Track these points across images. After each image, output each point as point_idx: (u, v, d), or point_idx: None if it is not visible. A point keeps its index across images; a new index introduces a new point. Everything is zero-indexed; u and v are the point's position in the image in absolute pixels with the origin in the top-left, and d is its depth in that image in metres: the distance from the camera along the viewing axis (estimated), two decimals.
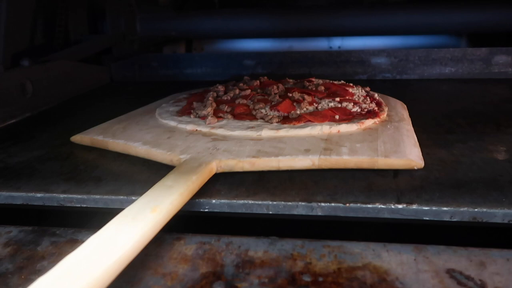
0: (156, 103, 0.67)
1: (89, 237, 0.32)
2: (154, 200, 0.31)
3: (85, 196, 0.40)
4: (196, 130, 0.50)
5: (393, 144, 0.44)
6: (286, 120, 0.51)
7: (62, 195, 0.40)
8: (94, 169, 0.46)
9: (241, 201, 0.38)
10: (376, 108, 0.55)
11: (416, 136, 0.49)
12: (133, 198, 0.39)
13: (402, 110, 0.60)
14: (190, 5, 1.41)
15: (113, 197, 0.39)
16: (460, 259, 0.29)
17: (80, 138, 0.53)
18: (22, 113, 0.68)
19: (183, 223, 0.35)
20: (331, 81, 0.70)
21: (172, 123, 0.53)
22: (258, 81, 0.70)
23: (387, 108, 0.57)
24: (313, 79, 0.71)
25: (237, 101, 0.58)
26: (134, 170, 0.45)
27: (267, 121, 0.51)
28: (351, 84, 0.68)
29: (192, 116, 0.55)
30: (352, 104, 0.55)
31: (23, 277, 0.29)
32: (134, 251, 0.27)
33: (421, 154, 0.43)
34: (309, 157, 0.41)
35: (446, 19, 1.07)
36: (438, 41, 1.31)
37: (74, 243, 0.33)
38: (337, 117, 0.51)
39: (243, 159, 0.41)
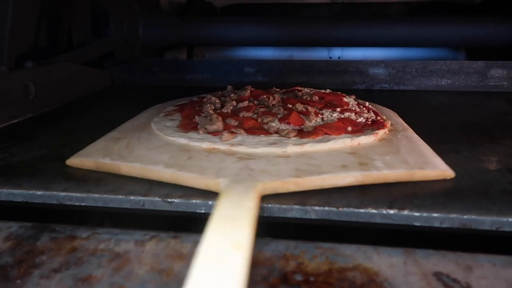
0: (142, 115, 0.64)
1: (87, 234, 0.33)
2: (230, 235, 0.27)
3: (84, 195, 0.41)
4: (214, 148, 0.47)
5: (418, 155, 0.45)
6: (303, 133, 0.50)
7: (62, 193, 0.41)
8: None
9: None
10: (378, 118, 0.56)
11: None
12: (131, 198, 0.40)
13: (397, 118, 0.61)
14: (192, 12, 1.43)
15: (112, 196, 0.40)
16: (448, 263, 0.30)
17: (81, 162, 0.47)
18: (24, 114, 0.69)
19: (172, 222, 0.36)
20: (319, 90, 0.71)
21: (183, 141, 0.49)
22: (249, 91, 0.71)
23: (384, 116, 0.59)
24: (300, 88, 0.73)
25: (240, 114, 0.57)
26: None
27: (283, 136, 0.49)
28: (340, 93, 0.69)
29: (201, 132, 0.51)
30: (354, 114, 0.56)
31: (22, 270, 0.30)
32: None
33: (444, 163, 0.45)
34: (351, 173, 0.41)
35: (445, 32, 1.10)
36: (437, 54, 1.33)
37: (73, 239, 0.34)
38: (349, 128, 0.51)
39: (287, 180, 0.39)
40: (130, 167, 0.43)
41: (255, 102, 0.64)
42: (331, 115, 0.56)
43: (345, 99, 0.64)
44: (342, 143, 0.47)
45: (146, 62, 1.04)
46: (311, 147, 0.46)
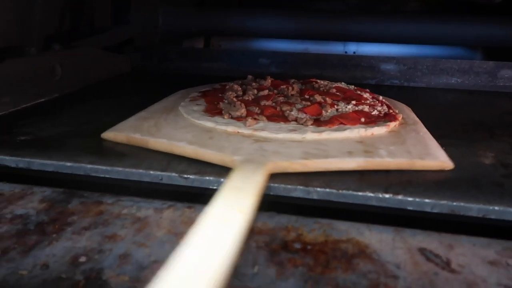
0: (168, 99, 0.68)
1: (112, 200, 0.37)
2: (235, 201, 0.30)
3: (108, 168, 0.45)
4: (238, 132, 0.51)
5: (422, 147, 0.49)
6: (319, 122, 0.53)
7: (88, 165, 0.45)
8: (117, 145, 0.51)
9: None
10: (391, 111, 0.59)
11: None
12: (151, 172, 0.44)
13: (410, 113, 0.64)
14: (210, 2, 1.46)
15: (133, 170, 0.44)
16: (432, 241, 0.33)
17: (114, 136, 0.52)
18: (50, 93, 0.74)
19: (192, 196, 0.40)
20: (335, 83, 0.74)
21: (209, 124, 0.53)
22: (269, 80, 0.75)
23: (397, 110, 0.62)
24: (317, 80, 0.76)
25: (261, 103, 0.60)
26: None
27: (302, 124, 0.53)
28: (359, 88, 0.72)
29: (226, 117, 0.55)
30: (368, 107, 0.59)
31: (56, 227, 0.34)
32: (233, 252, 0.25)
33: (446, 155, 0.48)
34: (355, 159, 0.44)
35: (461, 31, 1.11)
36: (452, 52, 1.34)
37: (100, 204, 0.38)
38: (362, 119, 0.54)
39: (295, 161, 0.43)
40: (157, 142, 0.48)
41: (275, 91, 0.68)
42: (346, 107, 0.59)
43: (363, 94, 0.67)
44: (357, 132, 0.51)
45: (164, 49, 1.08)
46: (328, 135, 0.50)
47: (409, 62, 0.94)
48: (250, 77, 0.79)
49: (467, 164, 0.48)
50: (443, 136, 0.57)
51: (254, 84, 0.73)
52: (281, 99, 0.62)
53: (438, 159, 0.46)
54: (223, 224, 0.27)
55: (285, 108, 0.58)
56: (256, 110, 0.57)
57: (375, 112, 0.58)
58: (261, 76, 0.78)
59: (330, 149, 0.46)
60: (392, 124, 0.54)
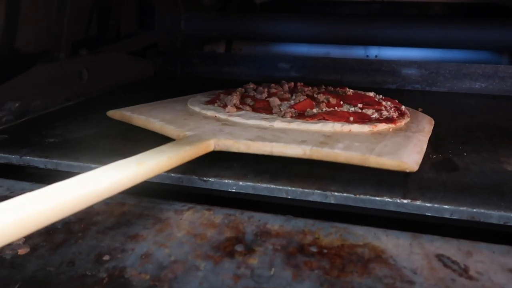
0: (194, 95, 0.72)
1: (134, 201, 0.38)
2: (143, 158, 0.35)
3: None
4: (215, 116, 0.55)
5: (394, 148, 0.46)
6: (301, 116, 0.54)
7: None
8: (140, 147, 0.52)
9: (264, 185, 0.43)
10: (395, 117, 0.58)
11: (432, 144, 0.53)
12: (172, 175, 0.45)
13: (425, 124, 0.60)
14: (232, 7, 1.47)
15: None
16: (450, 247, 0.33)
17: (113, 113, 0.62)
18: (78, 97, 0.77)
19: (212, 199, 0.41)
20: (367, 93, 0.73)
21: (196, 109, 0.59)
22: (292, 83, 0.75)
23: (409, 119, 0.59)
24: (346, 88, 0.75)
25: (259, 96, 0.63)
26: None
27: (281, 116, 0.54)
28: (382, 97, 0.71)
29: (215, 104, 0.60)
30: (372, 111, 0.59)
31: (82, 226, 0.36)
32: (112, 190, 0.31)
33: (420, 160, 0.45)
34: (301, 146, 0.44)
35: (486, 35, 1.08)
36: (478, 56, 1.31)
37: (123, 205, 0.39)
38: (351, 118, 0.53)
39: (239, 141, 0.46)
40: (137, 118, 0.57)
41: (292, 89, 0.68)
42: (349, 108, 0.59)
43: (384, 102, 0.65)
44: (331, 127, 0.50)
45: (186, 54, 1.10)
46: (297, 125, 0.50)
47: (431, 67, 0.93)
48: (283, 82, 0.79)
49: (488, 170, 0.47)
50: (464, 142, 0.57)
51: (273, 85, 0.73)
52: (287, 95, 0.63)
53: (399, 159, 0.43)
54: (112, 171, 0.32)
55: (276, 102, 0.59)
56: (249, 101, 0.60)
57: (375, 116, 0.57)
58: (278, 80, 0.79)
59: (287, 136, 0.47)
60: (382, 126, 0.52)
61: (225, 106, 0.59)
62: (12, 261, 0.31)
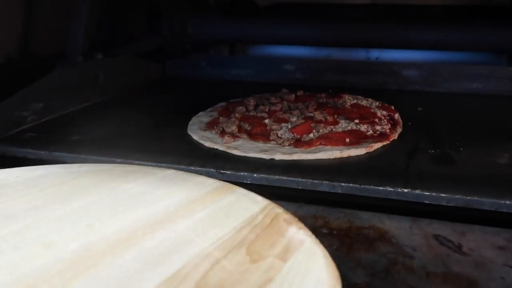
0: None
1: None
2: None
3: (154, 164, 0.50)
4: (213, 148, 0.56)
5: None
6: (298, 143, 0.56)
7: (136, 161, 0.51)
8: (158, 145, 0.56)
9: (277, 177, 0.47)
10: (388, 131, 0.61)
11: (431, 140, 0.57)
12: (192, 168, 0.49)
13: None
14: (236, 10, 1.52)
15: (172, 165, 0.50)
16: (446, 229, 0.37)
17: None
18: (95, 98, 0.81)
19: None
20: (361, 101, 0.77)
21: (195, 137, 0.60)
22: (293, 95, 0.79)
23: (401, 129, 0.63)
24: (345, 96, 0.79)
25: (260, 121, 0.64)
26: (188, 148, 0.55)
27: (279, 144, 0.56)
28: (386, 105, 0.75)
29: (213, 131, 0.61)
30: (366, 126, 0.62)
31: None
32: None
33: None
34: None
35: (484, 37, 1.12)
36: (477, 57, 1.34)
37: None
38: (347, 140, 0.56)
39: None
40: None
41: (290, 106, 0.71)
42: (348, 125, 0.62)
43: (377, 111, 0.69)
44: (331, 154, 0.53)
45: (194, 57, 1.14)
46: (298, 156, 0.52)
47: (430, 68, 0.97)
48: (284, 90, 0.83)
49: (482, 163, 0.51)
50: (462, 138, 0.61)
51: (273, 99, 0.76)
52: (280, 116, 0.66)
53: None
54: None
55: (274, 127, 0.61)
56: (247, 126, 0.62)
57: (370, 133, 0.60)
58: (289, 83, 0.83)
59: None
60: (378, 145, 0.56)
61: (222, 133, 0.59)
62: None
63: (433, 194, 0.43)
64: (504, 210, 0.42)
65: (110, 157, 0.52)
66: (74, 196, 0.37)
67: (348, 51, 1.45)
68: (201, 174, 0.48)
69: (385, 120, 0.66)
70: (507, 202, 0.42)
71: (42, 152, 0.55)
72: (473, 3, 1.33)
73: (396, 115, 0.70)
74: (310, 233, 0.32)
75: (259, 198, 0.37)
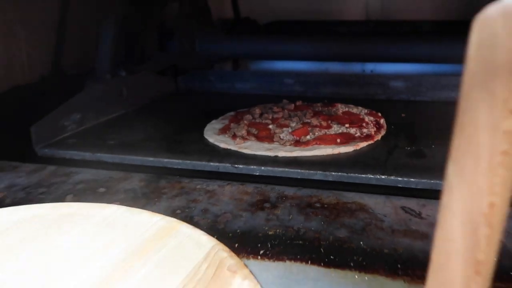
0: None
1: (188, 180, 0.53)
2: None
3: (180, 161, 0.62)
4: (228, 148, 0.67)
5: None
6: (298, 143, 0.67)
7: (165, 160, 0.63)
8: (180, 147, 0.68)
9: (281, 169, 0.59)
10: (373, 133, 0.72)
11: (409, 140, 0.69)
12: (211, 163, 0.61)
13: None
14: (239, 28, 1.65)
15: (198, 162, 0.61)
16: (411, 202, 0.48)
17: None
18: (120, 110, 0.92)
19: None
20: (351, 109, 0.89)
21: (211, 140, 0.71)
22: (293, 105, 0.91)
23: (385, 131, 0.74)
24: (338, 105, 0.91)
25: (265, 126, 0.76)
26: (206, 149, 0.67)
27: (281, 144, 0.67)
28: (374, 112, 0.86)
29: (226, 135, 0.72)
30: (355, 129, 0.73)
31: (155, 195, 0.51)
32: None
33: None
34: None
35: None
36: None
37: (180, 182, 0.55)
38: (338, 140, 0.68)
39: None
40: None
41: (290, 114, 0.83)
42: (339, 128, 0.74)
43: (366, 118, 0.81)
44: (324, 151, 0.64)
45: (203, 72, 1.26)
46: (298, 153, 0.64)
47: (414, 79, 1.09)
48: (285, 101, 0.94)
49: (447, 156, 0.62)
50: (435, 138, 0.72)
51: (275, 108, 0.88)
52: (282, 122, 0.77)
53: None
54: None
55: (277, 131, 0.72)
56: (254, 131, 0.73)
57: (358, 134, 0.71)
58: (289, 95, 0.95)
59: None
60: (363, 144, 0.67)
61: (234, 136, 0.71)
62: None
63: (405, 179, 0.55)
64: None
65: (142, 157, 0.64)
66: None
67: (345, 65, 1.57)
68: (218, 169, 0.60)
69: (372, 124, 0.78)
70: None
71: (86, 153, 0.66)
72: (460, 18, 1.45)
73: (382, 120, 0.82)
74: (255, 282, 0.32)
75: (203, 239, 0.37)
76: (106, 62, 0.94)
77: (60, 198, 0.51)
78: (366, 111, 0.88)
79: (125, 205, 0.46)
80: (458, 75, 1.20)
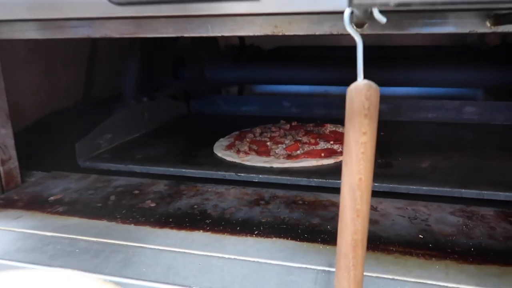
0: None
1: (202, 184, 0.70)
2: None
3: (195, 170, 0.78)
4: (233, 161, 0.83)
5: None
6: (289, 157, 0.84)
7: (183, 169, 0.79)
8: (195, 160, 0.84)
9: (273, 176, 0.74)
10: None
11: (382, 153, 0.84)
12: (219, 172, 0.77)
13: None
14: (244, 55, 1.82)
15: (208, 171, 0.77)
16: (371, 200, 0.63)
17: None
18: (142, 131, 1.09)
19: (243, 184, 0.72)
20: (338, 128, 1.05)
21: (219, 154, 0.87)
22: (289, 125, 1.07)
23: None
24: (327, 125, 1.07)
25: (264, 143, 0.93)
26: (216, 162, 0.83)
27: (276, 158, 0.83)
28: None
29: (232, 151, 0.89)
30: (338, 146, 0.89)
31: (177, 195, 0.67)
32: None
33: None
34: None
35: (459, 74, 1.37)
36: (457, 90, 1.53)
37: (195, 187, 0.71)
38: (322, 154, 0.83)
39: None
40: None
41: (285, 133, 1.00)
42: (325, 145, 0.90)
43: None
44: (310, 163, 0.80)
45: (212, 97, 1.44)
46: (289, 164, 0.79)
47: (395, 101, 1.25)
48: (282, 121, 1.11)
49: (410, 167, 0.78)
50: (404, 152, 0.87)
51: (273, 128, 1.05)
52: (277, 139, 0.94)
53: None
54: None
55: (273, 147, 0.89)
56: (254, 147, 0.90)
57: (340, 150, 0.86)
58: (287, 116, 1.11)
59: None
60: (342, 158, 0.83)
61: (238, 151, 0.87)
62: (148, 207, 0.63)
63: (376, 184, 0.70)
64: (412, 192, 0.68)
65: (165, 167, 0.80)
66: None
67: (343, 87, 1.72)
68: (224, 177, 0.76)
69: None
70: (412, 187, 0.68)
71: (120, 165, 0.83)
72: (450, 43, 1.59)
73: None
74: None
75: None
76: (130, 90, 1.12)
77: (105, 197, 0.67)
78: None
79: (154, 203, 0.62)
80: (435, 98, 1.35)
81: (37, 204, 0.66)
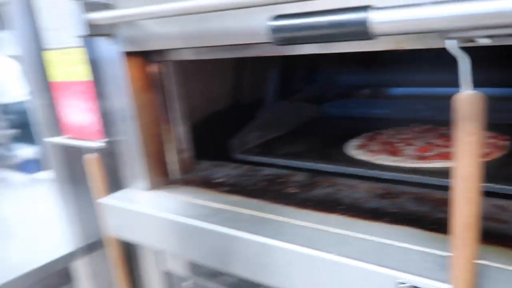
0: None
1: (332, 180, 0.80)
2: None
3: (330, 166, 0.89)
4: (364, 159, 0.91)
5: None
6: (420, 158, 0.87)
7: (319, 164, 0.91)
8: (329, 157, 0.95)
9: (401, 174, 0.81)
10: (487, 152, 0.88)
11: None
12: (346, 167, 0.86)
13: None
14: (371, 61, 1.84)
15: (340, 167, 0.87)
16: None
17: None
18: (281, 131, 1.25)
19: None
20: None
21: (351, 153, 0.96)
22: (421, 127, 1.10)
23: (504, 152, 0.89)
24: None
25: (395, 144, 0.98)
26: (348, 159, 0.93)
27: (407, 158, 0.88)
28: None
29: (363, 150, 0.97)
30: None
31: (310, 186, 0.79)
32: None
33: None
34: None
35: None
36: None
37: (328, 180, 0.82)
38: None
39: None
40: None
41: (418, 135, 1.03)
42: (446, 148, 0.91)
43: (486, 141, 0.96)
44: (441, 164, 0.82)
45: (344, 100, 1.52)
46: (417, 165, 0.83)
47: None
48: (414, 124, 1.14)
49: None
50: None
51: (405, 130, 1.09)
52: (410, 141, 0.98)
53: None
54: None
55: (405, 147, 0.94)
56: (386, 147, 0.95)
57: None
58: (420, 118, 1.14)
59: None
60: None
61: (370, 151, 0.95)
62: (290, 193, 0.76)
63: (503, 186, 0.71)
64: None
65: (303, 162, 0.93)
66: None
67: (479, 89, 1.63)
68: (356, 173, 0.85)
69: (490, 145, 0.93)
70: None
71: (266, 158, 0.99)
72: None
73: (502, 143, 0.95)
74: None
75: None
76: (272, 96, 1.29)
77: (257, 183, 0.83)
78: (490, 134, 1.02)
79: (295, 190, 0.75)
80: None
81: (207, 184, 0.86)
